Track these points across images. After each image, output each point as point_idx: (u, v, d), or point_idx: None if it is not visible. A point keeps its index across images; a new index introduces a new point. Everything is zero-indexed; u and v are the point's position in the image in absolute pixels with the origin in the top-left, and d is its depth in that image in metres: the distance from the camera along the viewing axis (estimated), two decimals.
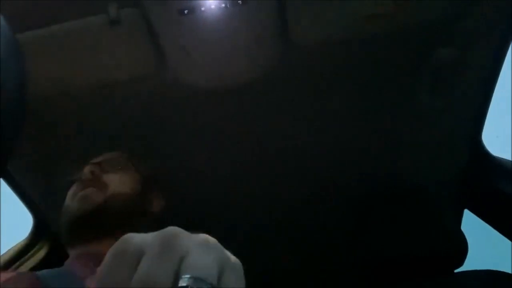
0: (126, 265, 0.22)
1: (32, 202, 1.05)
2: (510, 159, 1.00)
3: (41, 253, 1.04)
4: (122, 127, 0.97)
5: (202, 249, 0.23)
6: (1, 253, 0.96)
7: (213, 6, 0.74)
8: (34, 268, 0.98)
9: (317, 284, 1.28)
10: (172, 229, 0.24)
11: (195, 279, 0.21)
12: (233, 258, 0.25)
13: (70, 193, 0.73)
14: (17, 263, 0.98)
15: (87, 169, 0.73)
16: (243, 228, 1.09)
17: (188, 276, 0.21)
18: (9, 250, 1.00)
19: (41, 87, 0.78)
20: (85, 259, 0.64)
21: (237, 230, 1.07)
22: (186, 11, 0.73)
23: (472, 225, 1.12)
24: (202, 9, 0.74)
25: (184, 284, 0.21)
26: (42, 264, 1.01)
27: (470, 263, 0.95)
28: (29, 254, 1.02)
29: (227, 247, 0.26)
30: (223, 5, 0.74)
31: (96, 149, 0.96)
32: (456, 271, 0.95)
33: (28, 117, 0.34)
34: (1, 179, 0.93)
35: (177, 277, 0.22)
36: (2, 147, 0.30)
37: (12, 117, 0.30)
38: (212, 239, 0.25)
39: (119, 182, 0.73)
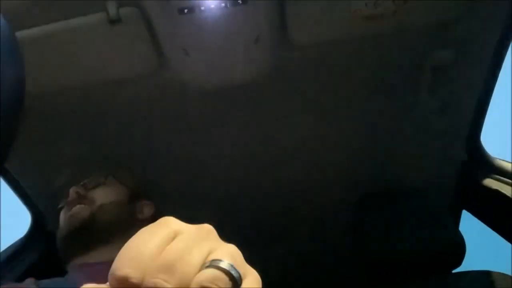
0: (163, 235, 0.23)
1: (30, 199, 1.05)
2: (508, 160, 1.00)
3: (40, 251, 1.04)
4: (121, 126, 0.97)
5: (231, 251, 0.24)
6: (0, 251, 0.96)
7: (213, 6, 0.74)
8: (33, 265, 0.98)
9: (316, 284, 1.28)
10: (208, 226, 0.26)
11: (226, 263, 0.22)
12: (255, 272, 0.26)
13: (61, 218, 0.77)
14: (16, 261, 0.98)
15: (72, 192, 0.78)
16: (243, 226, 1.09)
17: (217, 258, 0.22)
18: (7, 247, 1.00)
19: (39, 86, 0.78)
20: (85, 268, 0.68)
21: (238, 227, 1.07)
22: (186, 10, 0.73)
23: (470, 225, 1.12)
24: (202, 8, 0.73)
25: (214, 264, 0.22)
26: (41, 262, 1.01)
27: (468, 264, 0.95)
28: (28, 251, 1.02)
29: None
30: (223, 4, 0.74)
31: (95, 147, 0.97)
32: (454, 271, 0.95)
33: (26, 115, 0.34)
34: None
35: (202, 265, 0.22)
36: (0, 144, 0.30)
37: (10, 115, 0.30)
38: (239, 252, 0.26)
39: (104, 195, 0.78)
